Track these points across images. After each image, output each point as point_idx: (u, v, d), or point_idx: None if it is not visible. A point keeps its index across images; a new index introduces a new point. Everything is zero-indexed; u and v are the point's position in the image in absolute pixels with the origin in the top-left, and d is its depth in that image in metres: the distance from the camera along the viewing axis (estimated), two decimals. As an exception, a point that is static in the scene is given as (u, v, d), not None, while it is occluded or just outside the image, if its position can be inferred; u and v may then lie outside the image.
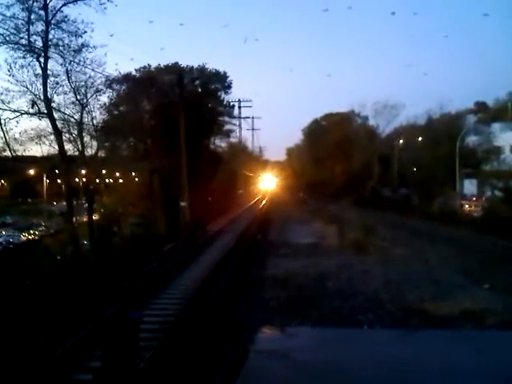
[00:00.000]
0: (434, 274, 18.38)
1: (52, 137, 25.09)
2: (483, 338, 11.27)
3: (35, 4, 23.72)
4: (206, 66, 42.63)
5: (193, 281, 16.78)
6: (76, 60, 25.37)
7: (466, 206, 47.13)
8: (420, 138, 61.34)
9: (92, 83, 27.00)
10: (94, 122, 28.16)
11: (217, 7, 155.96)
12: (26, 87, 24.12)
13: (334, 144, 73.03)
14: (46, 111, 24.45)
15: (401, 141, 65.08)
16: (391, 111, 68.74)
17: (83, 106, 26.75)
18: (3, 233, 41.24)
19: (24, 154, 25.15)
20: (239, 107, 64.13)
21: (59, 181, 33.95)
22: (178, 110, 33.14)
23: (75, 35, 24.72)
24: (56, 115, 25.10)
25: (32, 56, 24.11)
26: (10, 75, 23.71)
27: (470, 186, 51.44)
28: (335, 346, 10.51)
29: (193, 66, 41.60)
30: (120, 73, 33.03)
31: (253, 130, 79.83)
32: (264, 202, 62.89)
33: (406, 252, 23.50)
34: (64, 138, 25.57)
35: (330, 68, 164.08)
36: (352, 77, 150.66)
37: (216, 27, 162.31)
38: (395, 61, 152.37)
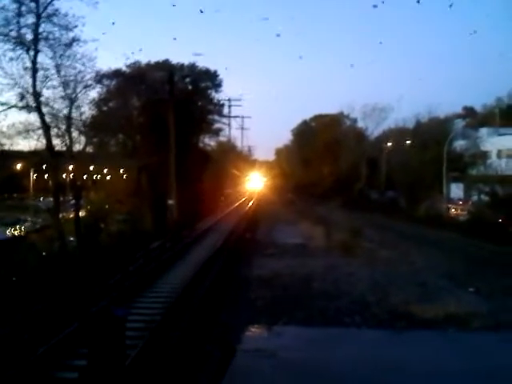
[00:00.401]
0: (420, 276, 18.48)
1: (40, 131, 24.91)
2: (468, 340, 11.35)
3: (26, -4, 23.55)
4: (197, 64, 42.61)
5: (179, 280, 16.71)
6: (66, 54, 25.22)
7: (453, 209, 47.45)
8: (408, 142, 61.65)
9: (82, 78, 26.84)
10: (83, 117, 28.02)
11: (209, 6, 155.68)
12: (15, 80, 23.95)
13: (322, 145, 73.31)
14: (34, 105, 24.27)
15: (389, 144, 65.36)
16: (380, 114, 69.19)
17: (72, 100, 26.57)
18: (-12, 228, 40.87)
19: (11, 148, 25.00)
20: (229, 106, 63.92)
21: (46, 176, 33.73)
22: (167, 108, 33.01)
23: (66, 29, 24.58)
24: (45, 109, 24.93)
25: (22, 49, 23.92)
26: (-2, 68, 23.53)
27: (456, 190, 51.74)
28: (322, 346, 10.53)
29: (183, 64, 41.52)
30: (110, 68, 32.94)
31: (242, 129, 79.60)
32: (251, 203, 61.80)
33: (392, 254, 23.62)
34: (52, 132, 25.40)
35: (320, 69, 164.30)
36: (342, 78, 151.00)
37: (208, 25, 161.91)
38: (385, 64, 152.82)
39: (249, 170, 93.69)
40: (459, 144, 54.72)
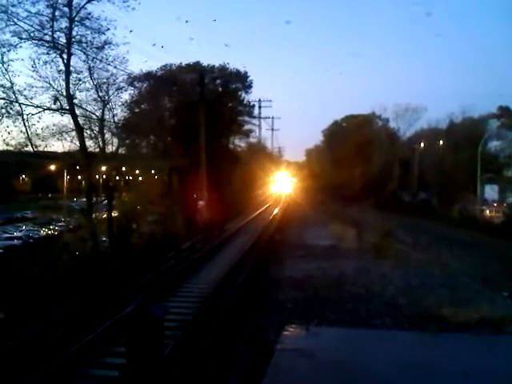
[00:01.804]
0: (452, 279, 18.17)
1: (73, 133, 25.35)
2: (502, 344, 11.10)
3: (60, 1, 24.01)
4: (227, 66, 42.73)
5: (209, 280, 16.78)
6: (98, 57, 25.64)
7: (487, 211, 46.64)
8: (441, 142, 60.77)
9: (114, 80, 27.27)
10: (116, 119, 28.40)
11: (239, 7, 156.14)
12: (49, 83, 24.43)
13: (353, 146, 72.58)
14: (68, 107, 24.68)
15: (421, 144, 64.49)
16: (412, 114, 68.35)
17: (105, 103, 27.00)
18: (23, 227, 41.67)
19: (45, 149, 25.43)
20: (259, 107, 63.99)
21: (79, 177, 34.28)
22: (198, 109, 33.20)
23: (98, 32, 24.99)
24: (78, 112, 25.37)
25: (55, 52, 24.38)
26: (33, 71, 24.04)
27: (491, 192, 50.83)
28: (357, 347, 10.45)
29: (214, 66, 41.70)
30: (142, 70, 33.30)
31: (272, 130, 79.48)
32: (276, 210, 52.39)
33: (424, 256, 23.27)
34: (85, 134, 25.84)
35: (351, 69, 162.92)
36: (374, 78, 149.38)
37: (237, 27, 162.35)
38: (417, 62, 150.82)
39: (275, 169, 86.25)
40: (494, 145, 53.94)
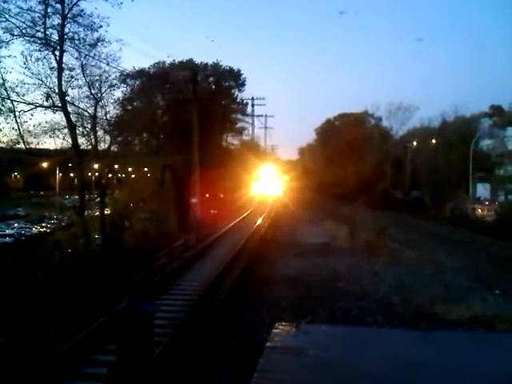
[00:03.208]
0: (445, 277, 18.23)
1: (66, 130, 25.16)
2: (494, 342, 11.14)
3: (52, -3, 23.80)
4: (220, 63, 42.65)
5: (202, 277, 16.75)
6: (91, 54, 25.44)
7: (479, 209, 46.86)
8: (433, 141, 60.98)
9: (106, 78, 27.08)
10: (108, 116, 28.21)
11: (232, 5, 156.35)
12: (41, 80, 24.23)
13: (346, 144, 72.64)
14: (60, 104, 24.52)
15: (414, 143, 64.69)
16: (405, 113, 68.57)
17: (97, 100, 26.81)
18: (15, 225, 41.49)
19: (38, 146, 25.26)
20: (252, 105, 63.83)
21: (72, 174, 34.11)
22: (191, 107, 33.10)
23: (91, 29, 24.79)
24: (70, 109, 25.18)
25: (47, 49, 24.18)
26: (25, 68, 23.84)
27: (482, 190, 51.11)
28: (348, 344, 10.45)
29: (207, 63, 41.61)
30: (134, 68, 33.15)
31: (265, 128, 79.18)
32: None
33: (417, 254, 23.33)
34: (78, 131, 25.64)
35: (344, 68, 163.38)
36: (366, 77, 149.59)
37: (231, 25, 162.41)
38: (410, 62, 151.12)
39: (261, 165, 68.50)
40: (486, 143, 54.10)
